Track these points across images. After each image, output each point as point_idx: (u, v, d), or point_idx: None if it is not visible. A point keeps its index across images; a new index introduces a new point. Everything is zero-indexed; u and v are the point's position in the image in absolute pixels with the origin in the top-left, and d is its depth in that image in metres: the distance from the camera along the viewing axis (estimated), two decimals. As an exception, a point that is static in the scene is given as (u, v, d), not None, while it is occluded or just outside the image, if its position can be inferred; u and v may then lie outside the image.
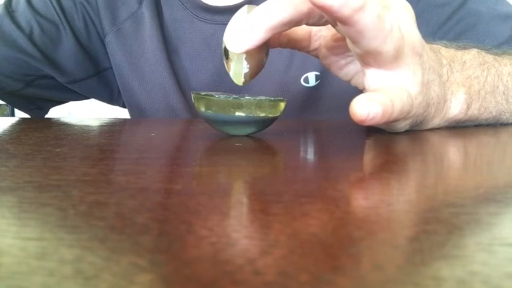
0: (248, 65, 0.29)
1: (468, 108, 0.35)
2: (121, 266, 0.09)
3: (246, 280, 0.08)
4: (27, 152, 0.24)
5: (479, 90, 0.36)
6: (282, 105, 0.30)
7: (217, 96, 0.29)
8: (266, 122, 0.29)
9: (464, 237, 0.11)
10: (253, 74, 0.30)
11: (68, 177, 0.17)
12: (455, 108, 0.35)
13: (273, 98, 0.29)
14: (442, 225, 0.12)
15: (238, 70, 0.30)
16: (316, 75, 0.52)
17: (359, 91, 0.34)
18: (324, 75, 0.51)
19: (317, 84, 0.52)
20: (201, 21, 0.55)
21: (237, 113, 0.28)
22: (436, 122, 0.35)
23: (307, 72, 0.52)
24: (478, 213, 0.13)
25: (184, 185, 0.16)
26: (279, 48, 0.34)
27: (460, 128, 0.37)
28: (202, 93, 0.29)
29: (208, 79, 0.55)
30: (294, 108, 0.53)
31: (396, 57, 0.28)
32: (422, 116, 0.32)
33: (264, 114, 0.29)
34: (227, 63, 0.30)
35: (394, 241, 0.10)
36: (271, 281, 0.08)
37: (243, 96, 0.29)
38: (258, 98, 0.28)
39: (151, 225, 0.11)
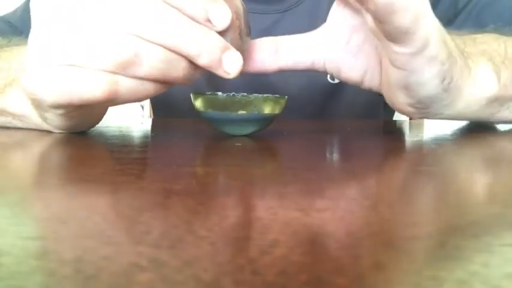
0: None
1: (499, 77, 0.31)
2: (121, 266, 0.09)
3: (246, 280, 0.08)
4: (27, 152, 0.24)
5: (503, 61, 0.33)
6: (282, 102, 0.29)
7: (215, 94, 0.29)
8: (266, 120, 0.29)
9: (464, 238, 0.11)
10: None
11: (68, 177, 0.17)
12: (485, 79, 0.31)
13: (272, 95, 0.29)
14: (442, 225, 0.12)
15: None
16: None
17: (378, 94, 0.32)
18: None
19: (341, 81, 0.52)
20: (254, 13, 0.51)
21: (237, 111, 0.28)
22: (470, 92, 0.30)
23: None
24: (478, 214, 0.13)
25: (184, 185, 0.16)
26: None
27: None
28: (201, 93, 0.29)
29: (248, 78, 0.54)
30: (318, 106, 0.54)
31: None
32: (449, 71, 0.28)
33: (264, 112, 0.28)
34: None
35: (394, 241, 0.10)
36: (271, 281, 0.08)
37: (245, 95, 0.29)
38: (258, 96, 0.28)
39: (151, 225, 0.11)
